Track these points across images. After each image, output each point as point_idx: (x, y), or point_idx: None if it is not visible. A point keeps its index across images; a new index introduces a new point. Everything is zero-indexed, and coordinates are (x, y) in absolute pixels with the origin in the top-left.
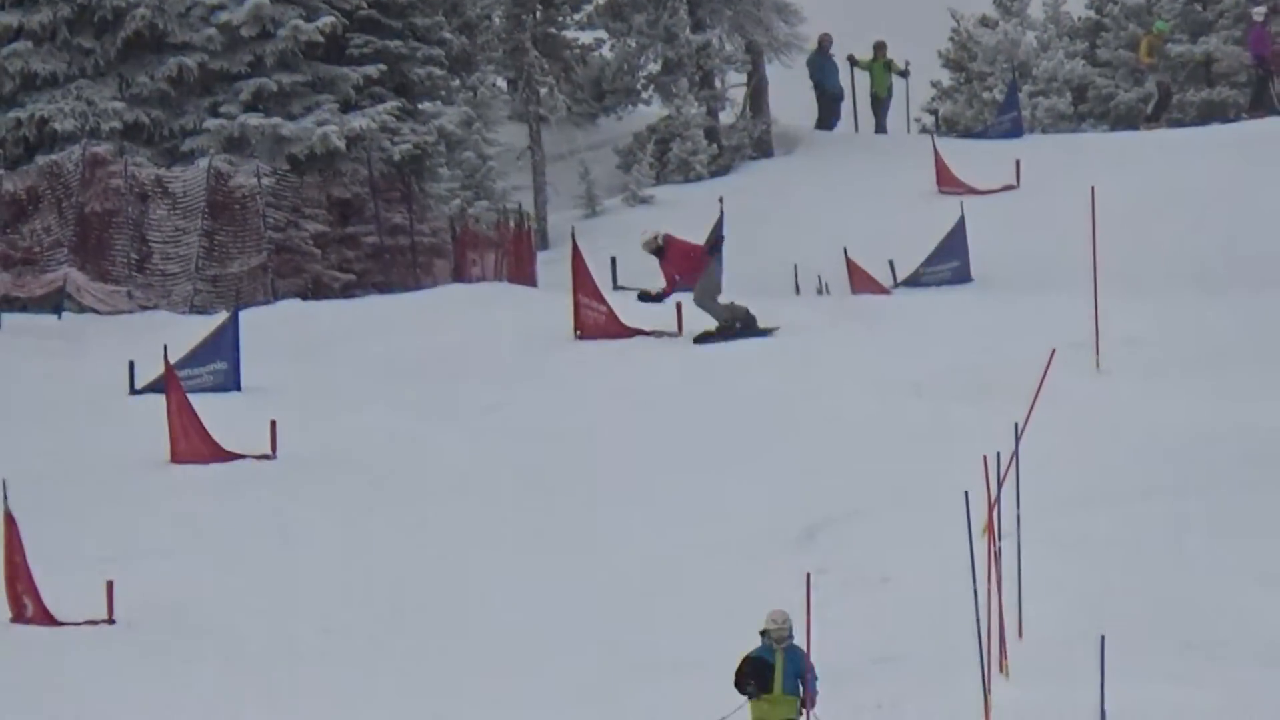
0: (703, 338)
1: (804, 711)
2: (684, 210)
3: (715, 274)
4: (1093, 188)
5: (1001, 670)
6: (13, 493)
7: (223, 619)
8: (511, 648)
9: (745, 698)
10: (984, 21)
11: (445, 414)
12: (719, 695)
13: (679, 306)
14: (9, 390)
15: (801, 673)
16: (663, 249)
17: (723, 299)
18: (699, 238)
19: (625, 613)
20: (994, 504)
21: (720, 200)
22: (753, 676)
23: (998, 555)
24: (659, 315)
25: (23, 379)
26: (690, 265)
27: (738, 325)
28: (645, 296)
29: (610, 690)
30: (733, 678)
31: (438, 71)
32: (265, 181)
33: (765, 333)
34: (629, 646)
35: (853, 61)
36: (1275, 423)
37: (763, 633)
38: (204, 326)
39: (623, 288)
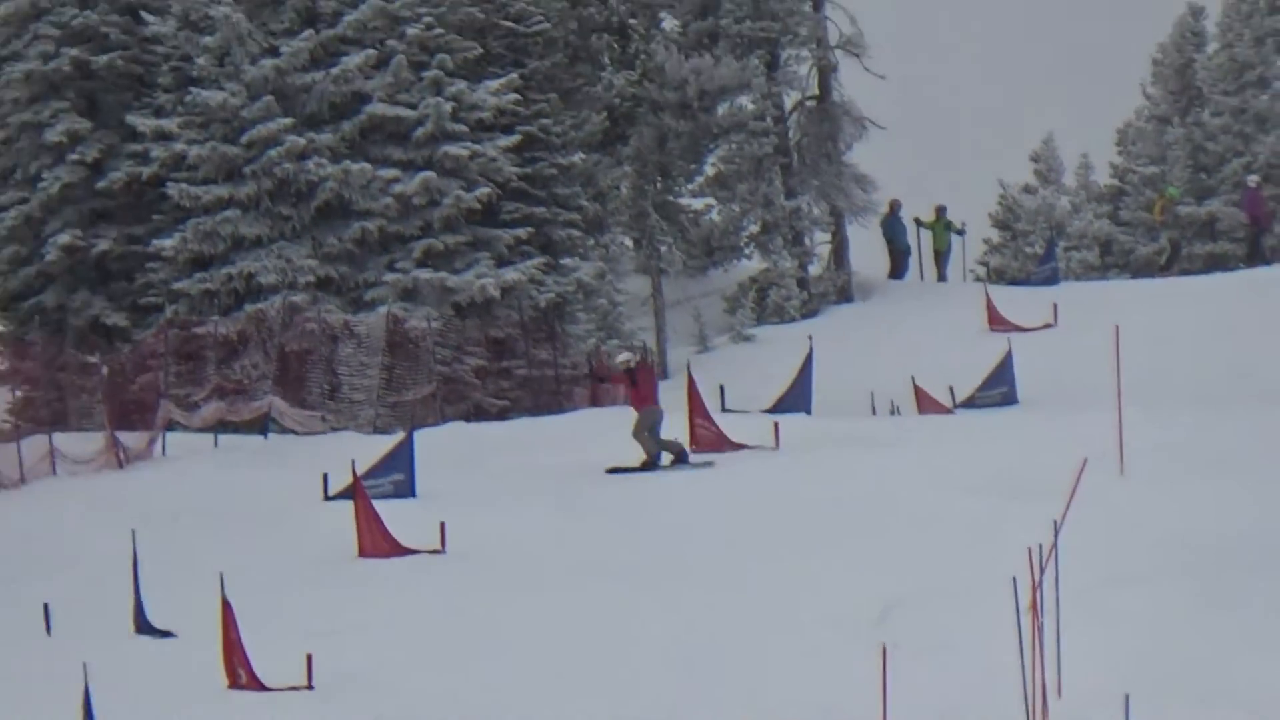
0: (615, 469)
1: None
2: (779, 346)
3: (658, 415)
4: (1117, 326)
5: None
6: (228, 581)
7: (404, 683)
8: (642, 699)
9: None
10: (1026, 189)
11: (583, 511)
12: None
13: (776, 426)
14: (224, 498)
15: None
16: (634, 371)
17: (663, 437)
18: (789, 369)
19: (738, 669)
20: (1037, 587)
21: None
22: None
23: (1040, 629)
24: (758, 432)
25: (235, 488)
26: (647, 394)
27: (660, 461)
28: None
29: None
30: None
31: (576, 233)
32: (434, 325)
33: (695, 466)
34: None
35: (918, 222)
36: (1270, 515)
37: None
38: (384, 444)
39: (729, 410)
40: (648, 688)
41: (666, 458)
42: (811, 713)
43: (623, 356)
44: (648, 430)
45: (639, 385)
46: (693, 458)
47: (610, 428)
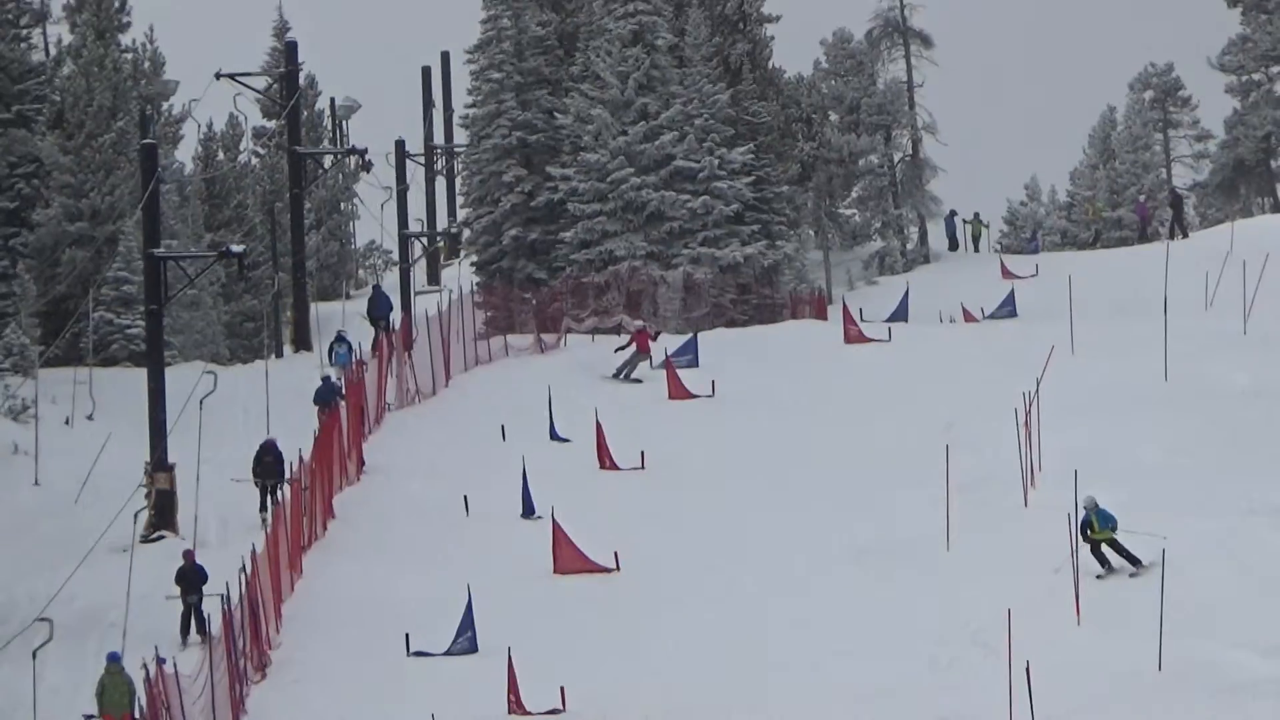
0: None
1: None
2: (891, 288)
3: (644, 359)
4: (1070, 275)
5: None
6: (596, 409)
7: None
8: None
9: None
10: (1021, 203)
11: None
12: None
13: (889, 329)
14: (598, 364)
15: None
16: (643, 330)
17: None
18: (897, 299)
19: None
20: (1028, 411)
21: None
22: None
23: (1029, 433)
24: (881, 330)
25: (604, 357)
26: (644, 347)
27: (622, 377)
28: (619, 348)
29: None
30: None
31: (784, 228)
32: (709, 276)
33: (635, 381)
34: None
35: (964, 221)
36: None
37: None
38: (682, 339)
39: (865, 320)
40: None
41: (628, 376)
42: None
43: (637, 323)
44: (632, 362)
45: (640, 340)
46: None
47: (816, 334)
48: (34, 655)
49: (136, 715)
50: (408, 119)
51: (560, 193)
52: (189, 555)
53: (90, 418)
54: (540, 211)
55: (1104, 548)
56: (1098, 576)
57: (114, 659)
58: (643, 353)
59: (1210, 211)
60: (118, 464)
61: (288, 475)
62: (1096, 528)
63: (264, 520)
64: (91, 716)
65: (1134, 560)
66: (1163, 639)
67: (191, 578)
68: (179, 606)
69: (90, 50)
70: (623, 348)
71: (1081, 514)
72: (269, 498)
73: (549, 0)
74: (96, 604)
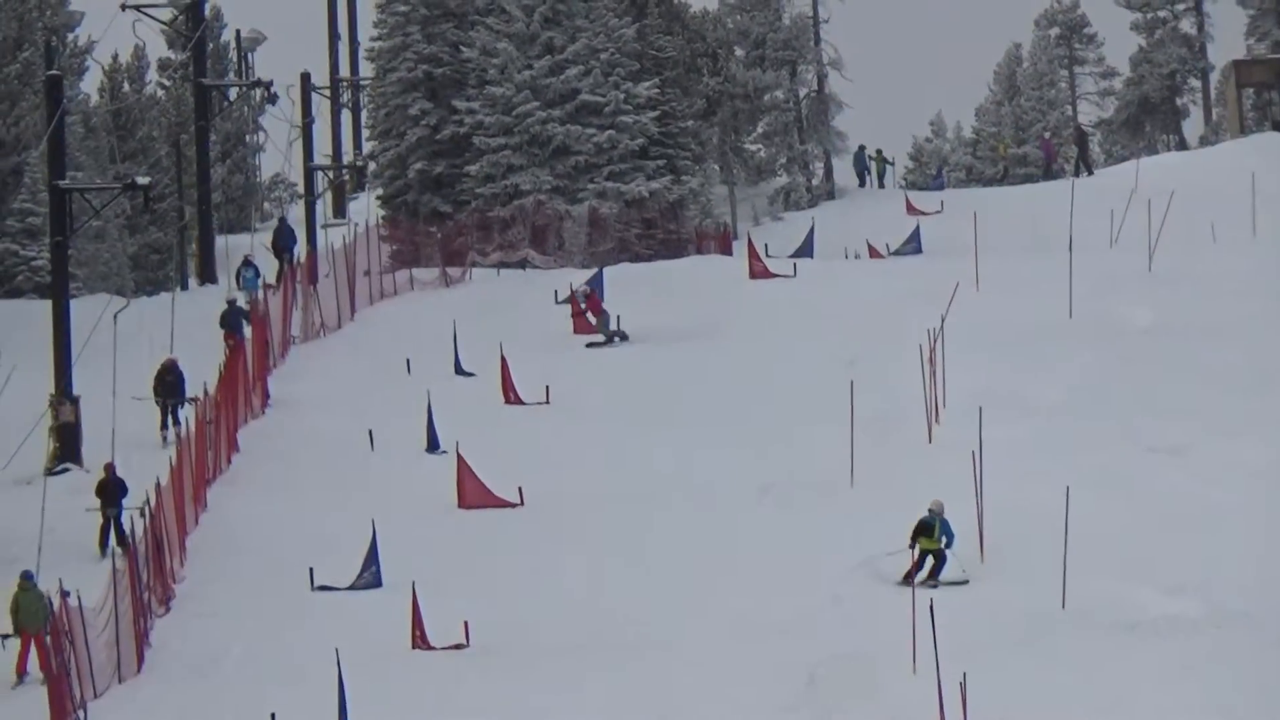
0: (593, 345)
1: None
2: (796, 224)
3: (606, 316)
4: (975, 212)
5: None
6: (501, 340)
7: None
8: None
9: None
10: (926, 139)
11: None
12: None
13: (794, 265)
14: (503, 298)
15: (948, 532)
16: (589, 295)
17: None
18: (802, 235)
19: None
20: (933, 345)
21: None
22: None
23: (934, 368)
24: (786, 266)
25: (508, 295)
26: (596, 309)
27: (616, 339)
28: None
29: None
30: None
31: (689, 163)
32: (613, 211)
33: (627, 338)
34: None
35: (870, 157)
36: None
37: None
38: (587, 275)
39: (771, 256)
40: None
41: (615, 339)
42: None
43: (581, 288)
44: (604, 325)
45: (591, 303)
46: (619, 339)
47: (722, 270)
48: None
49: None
50: (313, 52)
51: (466, 126)
52: (110, 468)
53: None
54: (446, 145)
55: (927, 557)
56: (897, 583)
57: (28, 576)
58: (599, 316)
59: (1115, 149)
60: (21, 397)
61: (188, 395)
62: (935, 536)
63: (164, 439)
64: (7, 635)
65: (936, 575)
66: (1066, 577)
67: (112, 490)
68: (90, 532)
69: None
70: (580, 312)
71: (925, 514)
72: (169, 416)
73: None
74: (1, 536)
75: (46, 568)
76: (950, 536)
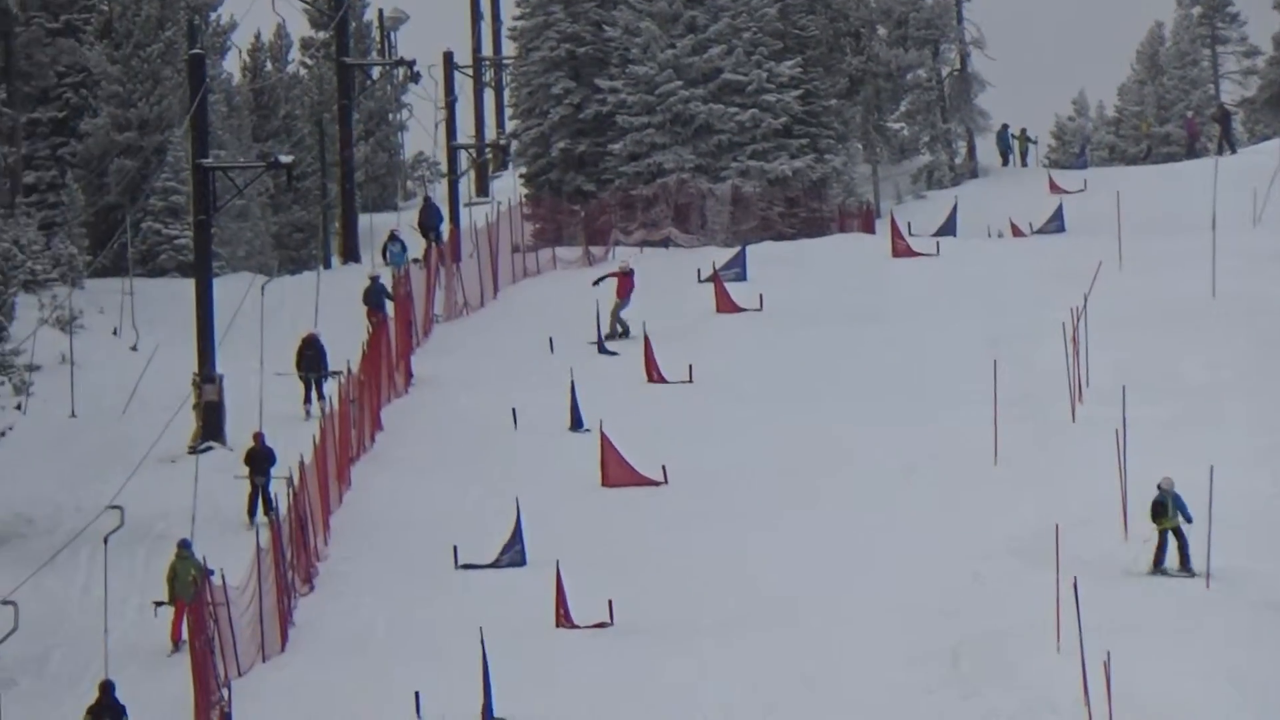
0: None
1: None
2: (939, 201)
3: (625, 305)
4: (1119, 191)
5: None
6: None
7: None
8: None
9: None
10: (1070, 117)
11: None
12: None
13: (938, 243)
14: (647, 276)
15: (1182, 507)
16: (630, 273)
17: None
18: (945, 212)
19: None
20: (1077, 320)
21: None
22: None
23: (1078, 347)
24: (929, 245)
25: (654, 272)
26: (625, 292)
27: (615, 332)
28: (599, 279)
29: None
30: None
31: (832, 141)
32: (757, 190)
33: (626, 340)
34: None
35: (1013, 136)
36: None
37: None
38: (731, 253)
39: (914, 235)
40: None
41: (618, 332)
42: None
43: (621, 264)
44: (618, 311)
45: (623, 283)
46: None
47: (864, 248)
48: (105, 541)
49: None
50: (455, 31)
51: (609, 105)
52: (258, 437)
53: (136, 329)
54: (588, 124)
55: (1169, 536)
56: (1147, 572)
57: (185, 545)
58: (621, 299)
59: (1258, 127)
60: (165, 375)
61: (330, 369)
62: (1169, 513)
63: (307, 412)
64: (161, 603)
65: (1187, 562)
66: (1210, 555)
67: (260, 459)
68: (236, 510)
69: None
70: (600, 280)
71: (1157, 494)
72: (312, 391)
73: None
74: (145, 515)
75: (200, 538)
76: (1185, 510)
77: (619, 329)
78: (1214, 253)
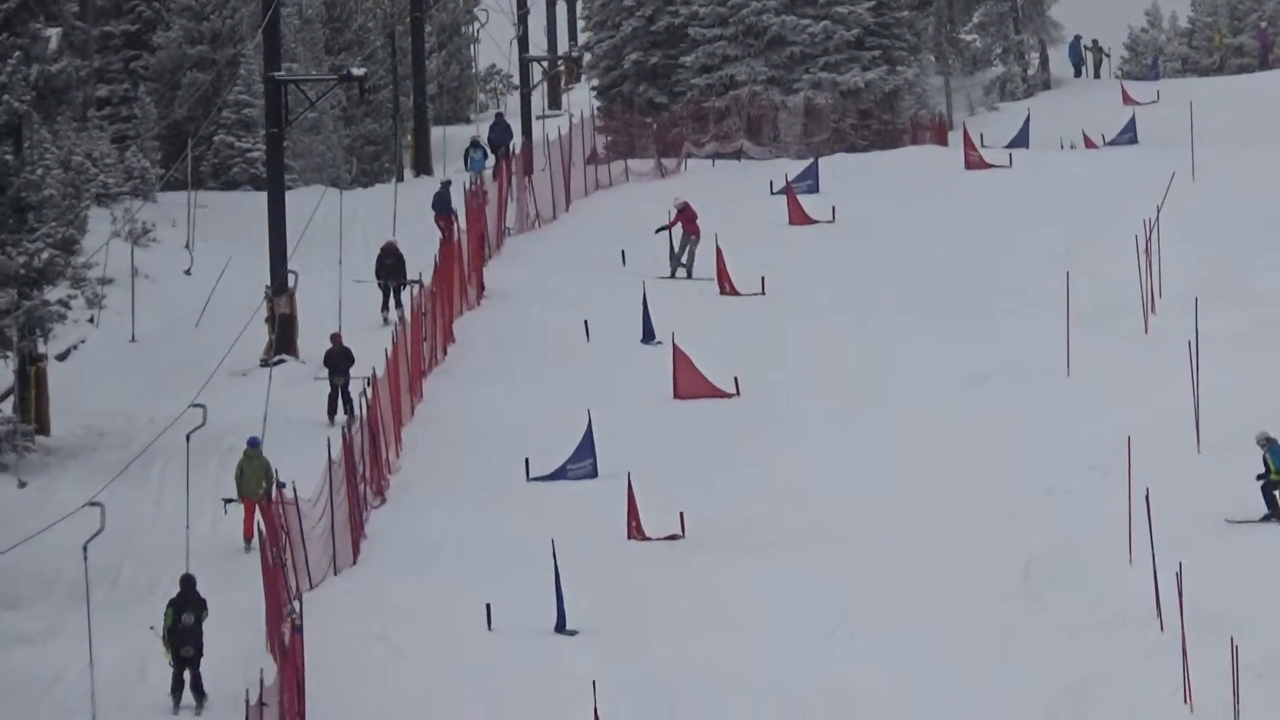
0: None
1: None
2: (1012, 113)
3: (693, 239)
4: (1191, 101)
5: None
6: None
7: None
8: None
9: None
10: (1143, 29)
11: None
12: None
13: (1010, 155)
14: (716, 187)
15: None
16: (685, 207)
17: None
18: (1018, 125)
19: None
20: (1149, 238)
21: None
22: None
23: (1150, 256)
24: (1001, 156)
25: (724, 185)
26: (690, 225)
27: (680, 267)
28: (661, 228)
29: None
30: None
31: (904, 53)
32: (830, 102)
33: (694, 280)
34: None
35: (1085, 47)
36: None
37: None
38: (802, 165)
39: (986, 146)
40: None
41: (681, 271)
42: None
43: (676, 201)
44: (687, 247)
45: (685, 218)
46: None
47: (937, 160)
48: (187, 438)
49: (273, 497)
50: None
51: (681, 17)
52: (336, 338)
53: (190, 251)
54: (661, 36)
55: (1275, 493)
56: (1262, 518)
57: (254, 444)
58: (691, 235)
59: None
60: (238, 288)
61: (409, 276)
62: (1273, 467)
63: (385, 319)
64: (230, 500)
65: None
66: None
67: (339, 359)
68: (311, 422)
69: None
70: (664, 228)
71: (1257, 451)
72: (390, 298)
73: None
74: (216, 428)
75: (271, 451)
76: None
77: (685, 265)
78: None
